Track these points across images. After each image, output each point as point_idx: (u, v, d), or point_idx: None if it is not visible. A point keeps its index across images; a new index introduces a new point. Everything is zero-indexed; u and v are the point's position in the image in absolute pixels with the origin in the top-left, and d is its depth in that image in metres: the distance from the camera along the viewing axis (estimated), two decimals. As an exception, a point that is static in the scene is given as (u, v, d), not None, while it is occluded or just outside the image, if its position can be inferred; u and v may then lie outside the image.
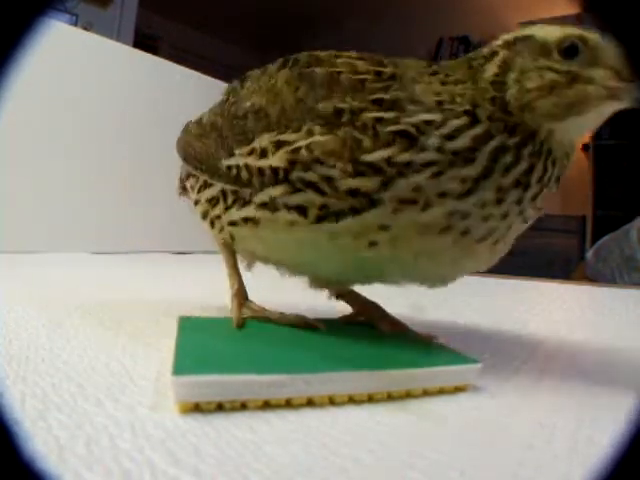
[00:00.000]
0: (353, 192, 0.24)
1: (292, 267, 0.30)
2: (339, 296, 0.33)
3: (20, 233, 0.81)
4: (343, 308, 0.33)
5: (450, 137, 0.23)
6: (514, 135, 0.24)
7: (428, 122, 0.23)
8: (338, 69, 0.26)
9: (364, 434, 0.17)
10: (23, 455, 0.12)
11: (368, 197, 0.23)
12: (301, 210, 0.25)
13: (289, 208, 0.25)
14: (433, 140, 0.23)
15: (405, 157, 0.23)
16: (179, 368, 0.19)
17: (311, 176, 0.24)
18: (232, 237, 0.30)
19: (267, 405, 0.19)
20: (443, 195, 0.23)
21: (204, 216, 0.32)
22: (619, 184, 2.36)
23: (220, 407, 0.19)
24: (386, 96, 0.24)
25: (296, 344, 0.26)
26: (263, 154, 0.26)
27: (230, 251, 0.33)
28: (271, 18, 3.00)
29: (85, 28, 1.84)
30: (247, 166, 0.27)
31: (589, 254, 1.11)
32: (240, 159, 0.28)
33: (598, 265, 1.05)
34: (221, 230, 0.31)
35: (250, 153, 0.27)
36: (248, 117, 0.29)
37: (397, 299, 0.35)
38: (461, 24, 2.84)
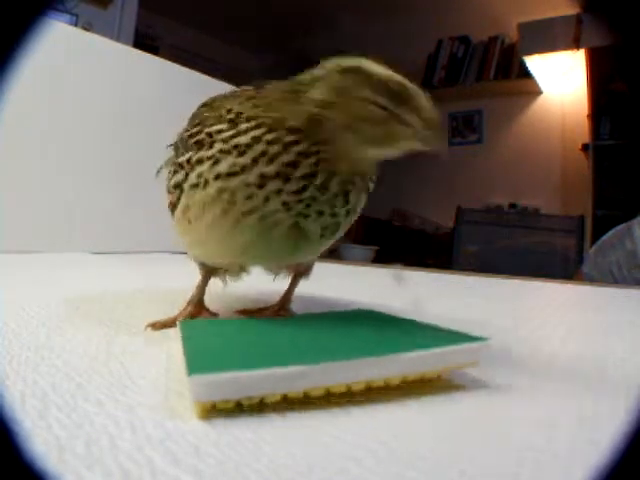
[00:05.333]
0: (175, 186, 0.33)
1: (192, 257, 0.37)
2: None
3: (20, 233, 0.81)
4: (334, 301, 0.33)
5: (234, 136, 0.29)
6: (290, 135, 0.29)
7: (218, 131, 0.30)
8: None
9: (364, 434, 0.17)
10: (23, 455, 0.12)
11: (180, 187, 0.32)
12: (170, 209, 0.34)
13: (169, 211, 0.35)
14: (218, 141, 0.30)
15: (198, 156, 0.31)
16: (194, 367, 0.19)
17: (166, 183, 0.35)
18: None
19: (285, 400, 0.19)
20: (217, 177, 0.30)
21: None
22: (619, 184, 2.36)
23: (238, 406, 0.19)
24: (197, 120, 0.33)
25: (303, 336, 0.26)
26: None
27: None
28: (271, 18, 3.00)
29: (85, 28, 1.84)
30: None
31: (591, 250, 1.11)
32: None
33: (597, 259, 1.05)
34: None
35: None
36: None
37: (394, 299, 0.35)
38: (461, 24, 2.83)
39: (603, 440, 0.17)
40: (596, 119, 2.40)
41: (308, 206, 0.29)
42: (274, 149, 0.28)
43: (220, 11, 2.95)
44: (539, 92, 2.73)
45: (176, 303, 0.42)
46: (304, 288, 0.37)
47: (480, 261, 2.23)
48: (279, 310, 0.36)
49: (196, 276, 0.38)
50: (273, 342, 0.25)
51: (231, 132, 0.30)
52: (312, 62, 0.30)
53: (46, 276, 0.58)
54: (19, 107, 0.76)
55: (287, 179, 0.28)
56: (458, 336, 0.24)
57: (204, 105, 0.35)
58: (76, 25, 1.86)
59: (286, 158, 0.28)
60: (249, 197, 0.29)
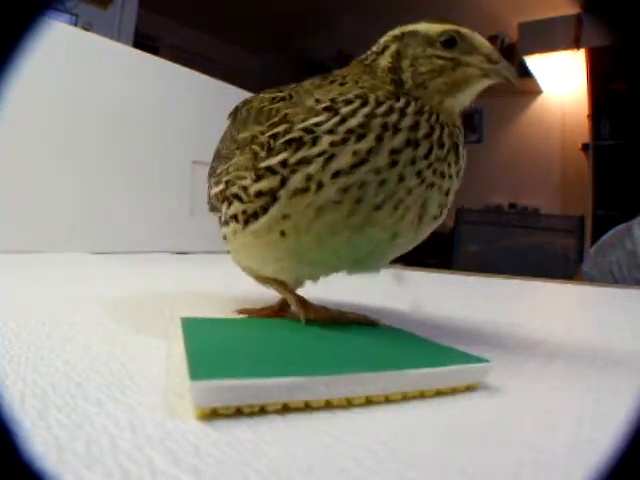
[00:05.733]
0: (259, 193, 0.29)
1: (249, 271, 0.35)
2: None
3: (20, 233, 0.81)
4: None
5: (342, 121, 0.27)
6: (399, 101, 0.28)
7: (317, 124, 0.27)
8: (252, 105, 0.33)
9: (365, 434, 0.17)
10: (23, 455, 0.12)
11: (271, 194, 0.28)
12: (236, 219, 0.31)
13: (228, 220, 0.32)
14: (324, 134, 0.27)
15: (299, 156, 0.27)
16: (196, 373, 0.19)
17: (234, 189, 0.31)
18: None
19: (286, 408, 0.19)
20: (336, 175, 0.27)
21: None
22: (618, 184, 2.36)
23: (238, 412, 0.19)
24: (275, 119, 0.29)
25: (306, 346, 0.26)
26: (217, 183, 0.33)
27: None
28: (271, 18, 3.00)
29: (85, 28, 1.84)
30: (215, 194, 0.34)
31: (591, 250, 1.11)
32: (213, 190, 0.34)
33: (597, 259, 1.05)
34: None
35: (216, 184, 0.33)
36: (215, 157, 0.37)
37: (394, 299, 0.35)
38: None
39: (603, 440, 0.17)
40: (596, 119, 2.40)
41: (434, 172, 0.28)
42: (394, 118, 0.27)
43: (220, 11, 2.95)
44: (539, 92, 2.74)
45: (176, 303, 0.42)
46: (303, 288, 0.37)
47: (481, 261, 2.23)
48: (279, 310, 0.36)
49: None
50: (276, 349, 0.25)
51: (335, 119, 0.27)
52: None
53: (46, 276, 0.58)
54: (19, 107, 0.76)
55: (417, 144, 0.27)
56: (462, 356, 0.24)
57: (274, 100, 0.31)
58: (76, 25, 1.86)
59: (407, 122, 0.27)
60: (381, 184, 0.27)
